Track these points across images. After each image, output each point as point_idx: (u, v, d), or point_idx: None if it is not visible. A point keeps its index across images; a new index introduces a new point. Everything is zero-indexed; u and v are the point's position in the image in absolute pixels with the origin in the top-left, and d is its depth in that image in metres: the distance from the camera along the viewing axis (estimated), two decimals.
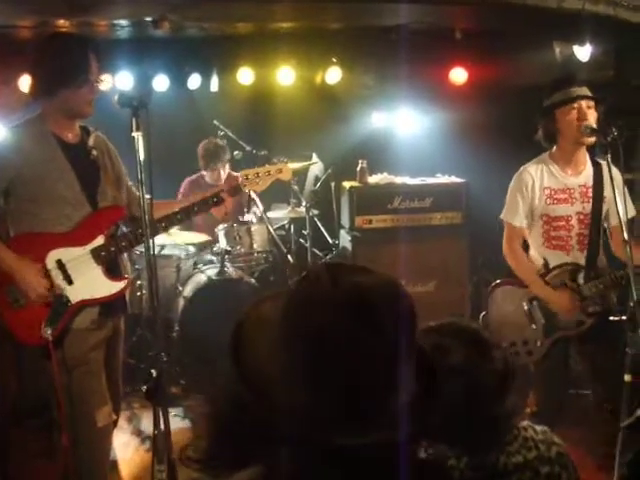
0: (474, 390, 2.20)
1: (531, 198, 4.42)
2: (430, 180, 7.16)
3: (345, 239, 7.04)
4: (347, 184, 7.00)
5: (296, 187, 6.97)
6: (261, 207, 6.21)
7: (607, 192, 4.31)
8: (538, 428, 2.39)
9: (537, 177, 4.42)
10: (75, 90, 3.70)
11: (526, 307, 4.45)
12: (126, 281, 3.93)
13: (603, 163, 4.22)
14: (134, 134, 3.33)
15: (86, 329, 3.76)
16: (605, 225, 4.47)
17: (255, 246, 6.73)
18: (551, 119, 4.38)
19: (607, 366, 4.24)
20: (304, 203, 6.88)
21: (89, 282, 3.78)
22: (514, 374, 2.30)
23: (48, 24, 5.92)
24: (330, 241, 7.17)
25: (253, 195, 5.38)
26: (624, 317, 3.96)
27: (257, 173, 4.27)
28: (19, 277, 3.64)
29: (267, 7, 5.64)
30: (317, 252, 7.11)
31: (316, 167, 7.26)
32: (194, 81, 7.40)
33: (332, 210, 7.29)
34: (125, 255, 4.07)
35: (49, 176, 3.68)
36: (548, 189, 4.41)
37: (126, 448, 5.24)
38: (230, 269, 6.46)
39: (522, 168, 4.51)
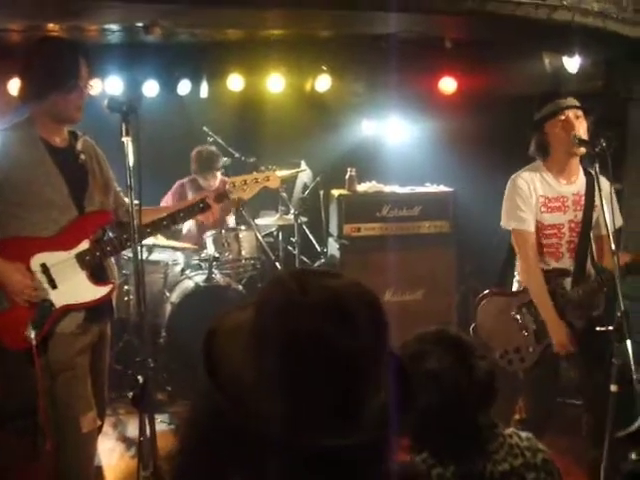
0: (454, 395, 2.21)
1: (530, 202, 4.40)
2: (419, 189, 7.17)
3: (333, 247, 7.04)
4: (336, 192, 7.01)
5: (285, 194, 6.97)
6: (248, 214, 6.22)
7: (598, 201, 4.33)
8: (523, 435, 2.40)
9: (531, 184, 4.42)
10: (64, 95, 3.69)
11: (516, 315, 4.46)
12: (111, 286, 3.91)
13: (593, 173, 4.24)
14: (124, 139, 3.34)
15: (71, 333, 3.74)
16: (591, 234, 4.48)
17: (243, 253, 6.74)
18: (541, 132, 4.40)
19: (594, 376, 4.26)
20: (292, 211, 6.88)
21: (73, 287, 3.76)
22: (497, 384, 2.31)
23: (38, 28, 5.90)
24: (318, 249, 7.17)
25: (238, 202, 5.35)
26: (611, 327, 3.97)
27: (244, 180, 4.26)
28: (2, 278, 3.62)
29: (258, 14, 5.63)
30: (305, 260, 7.11)
31: (305, 175, 7.27)
32: (184, 87, 7.41)
33: (321, 218, 7.29)
34: (112, 260, 4.05)
35: (37, 180, 3.67)
36: (543, 197, 4.41)
37: (111, 454, 5.22)
38: (218, 276, 6.46)
39: (515, 175, 4.50)
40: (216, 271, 6.47)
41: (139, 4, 5.00)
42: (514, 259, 4.60)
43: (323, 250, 7.15)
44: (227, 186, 4.21)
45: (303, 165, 7.10)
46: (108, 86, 7.00)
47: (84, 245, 3.78)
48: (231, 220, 6.75)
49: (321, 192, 7.25)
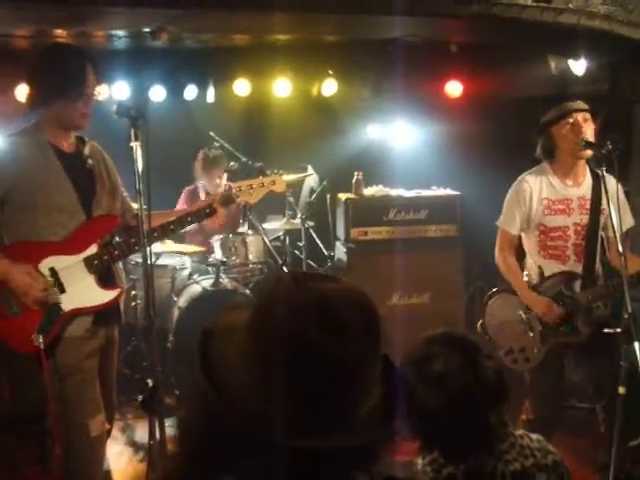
0: (463, 395, 2.22)
1: (528, 207, 4.45)
2: (425, 192, 7.17)
3: (340, 251, 7.04)
4: (343, 196, 7.01)
5: (291, 199, 6.97)
6: (255, 218, 6.22)
7: (605, 203, 4.34)
8: (533, 436, 2.41)
9: (535, 187, 4.45)
10: (71, 102, 3.71)
11: (523, 315, 4.47)
12: (119, 290, 3.93)
13: (601, 175, 4.24)
14: (132, 144, 3.35)
15: (80, 337, 3.75)
16: (603, 236, 4.49)
17: (250, 257, 6.74)
18: (548, 136, 4.42)
19: (603, 378, 4.26)
20: (299, 215, 6.88)
21: (81, 291, 3.77)
22: (506, 384, 2.32)
23: (45, 34, 5.93)
24: (325, 253, 7.17)
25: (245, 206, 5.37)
26: (619, 330, 3.98)
27: (251, 185, 4.27)
28: (12, 281, 3.63)
29: (264, 19, 5.65)
30: (312, 264, 7.11)
31: (311, 179, 7.27)
32: (190, 92, 7.42)
33: (327, 222, 7.29)
34: (120, 264, 4.07)
35: (45, 185, 3.69)
36: (546, 200, 4.43)
37: (119, 458, 5.23)
38: (225, 280, 6.46)
39: (521, 177, 4.54)
40: (223, 275, 6.48)
41: (146, 9, 5.02)
42: (522, 259, 4.62)
43: (330, 254, 7.15)
44: (233, 190, 4.23)
45: (310, 169, 7.10)
46: (115, 91, 7.01)
47: (92, 249, 3.80)
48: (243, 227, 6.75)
49: (328, 196, 7.25)
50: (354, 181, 6.98)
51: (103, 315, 3.86)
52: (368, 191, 7.05)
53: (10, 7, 4.88)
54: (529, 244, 4.57)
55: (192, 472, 1.47)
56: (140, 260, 5.94)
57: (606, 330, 4.25)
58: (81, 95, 3.71)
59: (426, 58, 7.10)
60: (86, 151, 3.91)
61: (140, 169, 3.35)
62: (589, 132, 4.31)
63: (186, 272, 6.80)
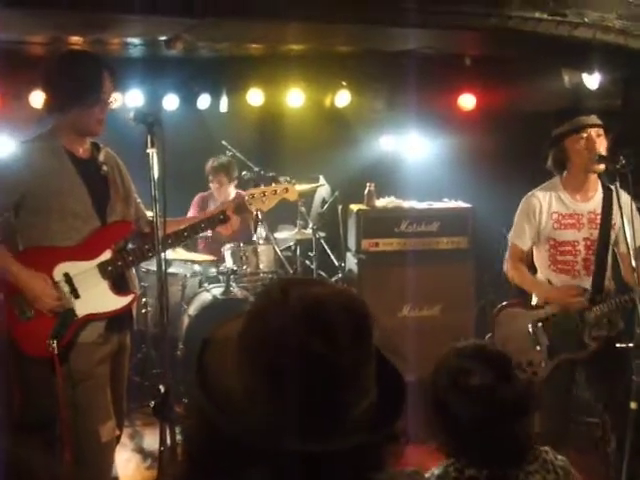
0: (497, 409, 2.24)
1: (538, 221, 4.45)
2: (437, 205, 7.17)
3: (351, 262, 7.04)
4: (354, 207, 7.01)
5: (303, 209, 6.99)
6: (267, 227, 6.23)
7: (616, 218, 4.33)
8: (559, 456, 2.43)
9: (545, 202, 4.45)
10: (87, 109, 3.73)
11: (531, 329, 4.46)
12: (133, 296, 3.94)
13: (613, 189, 4.24)
14: (149, 150, 3.36)
15: (93, 343, 3.76)
16: (615, 251, 4.49)
17: (261, 266, 6.74)
18: (561, 148, 4.41)
19: (613, 393, 4.24)
20: (311, 225, 6.89)
21: (95, 296, 3.79)
22: (534, 395, 2.34)
23: (61, 41, 5.96)
24: (336, 263, 7.17)
25: (258, 214, 5.38)
26: (631, 344, 3.96)
27: (263, 192, 4.28)
28: (27, 288, 3.65)
29: (279, 29, 5.67)
30: (323, 274, 7.11)
31: (323, 189, 7.29)
32: (204, 101, 7.44)
33: (339, 233, 7.29)
34: (133, 271, 4.08)
35: (60, 190, 3.70)
36: (556, 214, 4.43)
37: (128, 465, 5.23)
38: (235, 289, 6.47)
39: (530, 193, 4.55)
40: (234, 284, 6.48)
41: (162, 18, 5.04)
42: (533, 273, 4.61)
43: (341, 265, 7.15)
44: (246, 197, 4.24)
45: (322, 180, 7.11)
46: (128, 99, 7.04)
47: (106, 255, 3.81)
48: (259, 232, 6.76)
49: (339, 207, 7.25)
50: (366, 192, 6.98)
51: (116, 321, 3.87)
52: (380, 202, 7.05)
53: (26, 14, 4.91)
54: (540, 258, 4.57)
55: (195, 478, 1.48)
56: (151, 267, 6.00)
57: (618, 345, 4.23)
58: (97, 101, 3.73)
59: (439, 70, 7.11)
60: (101, 157, 3.93)
61: (156, 176, 3.36)
62: (602, 148, 4.30)
63: (197, 280, 6.81)
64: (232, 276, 6.45)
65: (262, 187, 4.39)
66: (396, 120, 7.96)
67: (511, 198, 4.79)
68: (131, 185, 4.11)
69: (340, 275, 7.09)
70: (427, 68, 6.79)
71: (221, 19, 5.01)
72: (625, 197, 4.17)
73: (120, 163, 4.09)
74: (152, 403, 3.24)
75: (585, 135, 4.31)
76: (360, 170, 7.62)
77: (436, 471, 2.33)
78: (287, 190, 4.36)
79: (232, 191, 7.10)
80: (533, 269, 4.64)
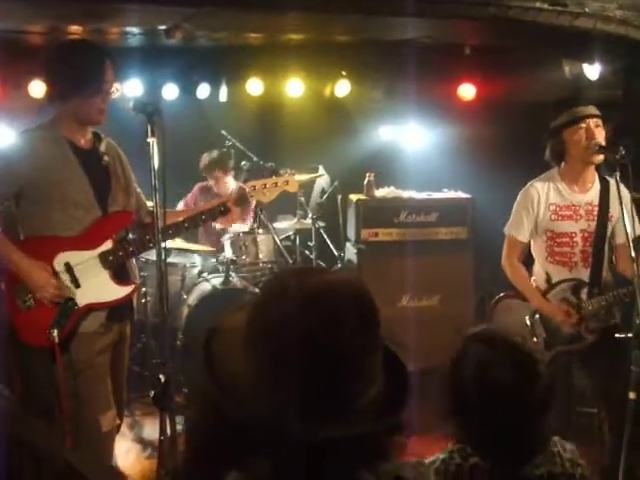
0: (520, 408, 2.21)
1: (536, 213, 4.45)
2: (436, 195, 7.18)
3: (351, 252, 7.05)
4: (354, 197, 7.02)
5: (302, 199, 6.99)
6: (266, 217, 6.23)
7: (613, 210, 4.33)
8: (567, 446, 2.40)
9: (543, 193, 4.44)
10: (88, 99, 3.72)
11: (528, 321, 4.47)
12: (134, 286, 3.94)
13: (611, 181, 4.24)
14: (149, 140, 3.36)
15: (94, 333, 3.77)
16: (612, 243, 4.48)
17: (261, 256, 6.74)
18: (559, 140, 4.39)
19: (612, 384, 4.25)
20: (310, 215, 6.90)
21: (96, 286, 3.79)
22: (556, 393, 2.32)
23: (60, 30, 5.95)
24: (335, 253, 7.17)
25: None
26: (630, 334, 3.97)
27: (264, 184, 4.28)
28: (27, 276, 3.65)
29: (278, 18, 5.66)
30: (322, 264, 7.11)
31: (323, 179, 7.28)
32: (203, 91, 7.42)
33: (338, 223, 7.30)
34: (133, 261, 4.08)
35: (62, 180, 3.70)
36: (554, 205, 4.42)
37: (127, 455, 5.23)
38: (235, 278, 6.46)
39: (529, 184, 4.53)
40: (233, 274, 6.48)
41: (161, 7, 5.03)
42: (531, 265, 4.61)
43: (340, 255, 7.15)
44: (247, 189, 4.24)
45: (321, 170, 7.11)
46: (127, 89, 7.02)
47: (107, 245, 3.81)
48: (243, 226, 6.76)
49: (339, 197, 7.26)
50: (365, 182, 6.99)
51: (117, 311, 3.88)
52: (379, 192, 7.06)
53: (26, 3, 4.90)
54: (537, 249, 4.57)
55: (201, 469, 1.49)
56: (150, 257, 6.00)
57: (617, 335, 4.24)
58: (99, 91, 3.72)
59: (439, 60, 7.10)
60: (102, 147, 3.92)
61: (156, 165, 3.36)
62: (600, 138, 4.29)
63: (196, 270, 6.81)
64: (231, 266, 6.45)
65: (263, 179, 4.39)
66: (396, 110, 7.95)
67: (510, 188, 4.79)
68: (131, 175, 4.11)
69: (339, 265, 7.10)
70: (427, 58, 6.78)
71: (220, 8, 5.01)
72: (624, 190, 4.16)
73: (121, 153, 4.09)
74: (152, 393, 3.25)
75: (584, 126, 4.30)
76: (360, 160, 7.62)
77: (441, 455, 2.31)
78: (287, 182, 4.36)
79: (231, 182, 7.10)
80: (530, 260, 4.64)
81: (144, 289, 6.37)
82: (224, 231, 6.76)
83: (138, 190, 4.17)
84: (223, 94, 7.53)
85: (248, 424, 1.39)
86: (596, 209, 4.40)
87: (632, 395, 3.77)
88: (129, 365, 4.27)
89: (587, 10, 5.08)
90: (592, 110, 4.37)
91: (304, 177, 6.66)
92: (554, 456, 2.31)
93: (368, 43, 7.06)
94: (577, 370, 4.60)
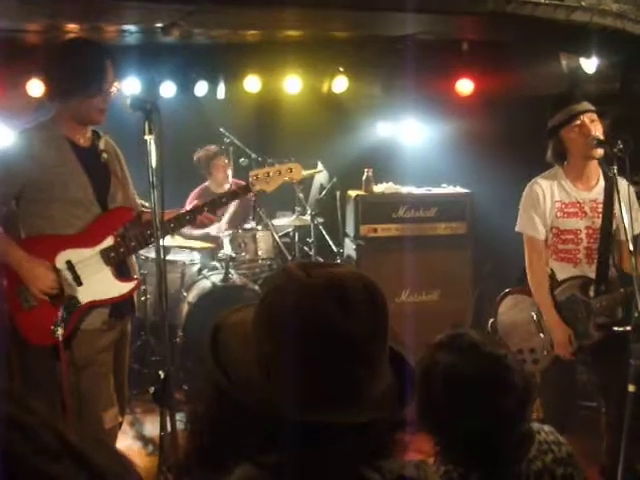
0: (499, 416, 2.19)
1: (543, 209, 4.42)
2: (435, 190, 7.18)
3: (350, 247, 7.05)
4: (352, 193, 7.02)
5: (301, 195, 6.99)
6: (265, 213, 6.23)
7: (617, 206, 4.33)
8: (546, 428, 2.40)
9: (548, 190, 4.43)
10: (88, 98, 3.72)
11: (535, 316, 4.46)
12: (135, 282, 3.95)
13: (617, 178, 4.22)
14: (146, 137, 3.36)
15: (97, 330, 3.78)
16: (617, 239, 4.47)
17: (260, 253, 6.75)
18: (558, 140, 4.39)
19: (611, 377, 4.25)
20: (309, 211, 6.89)
21: (98, 283, 3.80)
22: (532, 387, 2.30)
23: (57, 28, 5.94)
24: (334, 249, 7.17)
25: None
26: (628, 328, 3.97)
27: (267, 173, 4.25)
28: (27, 272, 3.66)
29: (275, 15, 5.66)
30: (321, 260, 7.11)
31: (321, 175, 7.28)
32: (201, 88, 7.42)
33: (337, 219, 7.30)
34: (133, 258, 4.09)
35: (61, 179, 3.71)
36: (559, 202, 4.42)
37: (128, 452, 5.20)
38: (234, 275, 6.47)
39: (533, 181, 4.52)
40: (233, 271, 6.48)
41: (159, 4, 5.03)
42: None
43: (339, 251, 7.15)
44: (250, 178, 4.21)
45: (320, 166, 7.10)
46: (125, 87, 7.01)
47: (108, 242, 3.82)
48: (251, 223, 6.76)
49: (337, 193, 7.25)
50: (364, 178, 6.99)
51: (119, 308, 3.89)
52: (378, 188, 7.06)
53: (23, 1, 4.90)
54: None
55: (208, 460, 1.50)
56: (150, 255, 6.00)
57: (616, 328, 4.24)
58: (99, 91, 3.72)
59: (437, 55, 7.10)
60: (101, 145, 3.93)
61: (154, 163, 3.37)
62: (597, 132, 4.28)
63: (195, 267, 6.82)
64: (231, 263, 6.46)
65: (266, 168, 4.36)
66: (394, 106, 7.96)
67: (509, 183, 4.79)
68: (127, 174, 4.11)
69: (339, 261, 7.10)
70: (425, 53, 6.77)
71: (217, 5, 5.00)
72: (623, 183, 4.16)
73: (119, 151, 4.10)
74: (152, 389, 3.26)
75: (578, 123, 4.29)
76: (358, 156, 7.62)
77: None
78: (291, 170, 4.33)
79: (228, 175, 7.09)
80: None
81: (144, 287, 6.37)
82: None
83: (133, 191, 4.17)
84: (221, 91, 7.53)
85: (256, 412, 1.40)
86: (601, 206, 4.39)
87: (631, 388, 3.78)
88: (129, 363, 4.28)
89: (583, 4, 5.08)
90: (586, 106, 4.36)
91: (303, 173, 6.65)
92: (541, 445, 2.31)
93: (366, 39, 7.06)
94: (579, 364, 4.60)
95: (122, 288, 3.86)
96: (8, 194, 3.70)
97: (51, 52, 3.90)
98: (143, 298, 6.37)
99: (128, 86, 7.02)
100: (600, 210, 4.39)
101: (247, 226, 6.75)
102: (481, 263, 7.21)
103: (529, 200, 4.50)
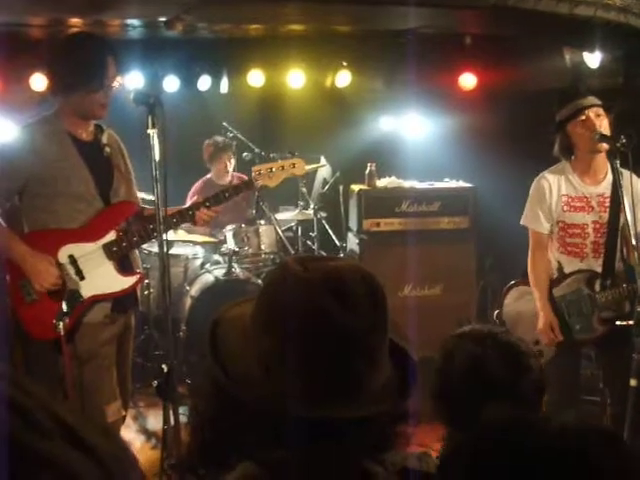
0: (514, 404, 2.21)
1: (549, 203, 4.43)
2: (438, 184, 7.16)
3: (353, 242, 7.05)
4: (355, 187, 7.01)
5: (304, 189, 6.99)
6: (268, 207, 6.23)
7: (626, 201, 4.33)
8: None
9: (555, 184, 4.43)
10: (91, 93, 3.73)
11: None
12: (138, 276, 3.96)
13: (625, 172, 4.22)
14: (149, 131, 3.37)
15: (99, 323, 3.79)
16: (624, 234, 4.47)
17: (263, 247, 6.76)
18: (564, 134, 4.39)
19: (615, 371, 4.26)
20: (312, 205, 6.89)
21: (101, 277, 3.81)
22: (546, 381, 2.33)
23: (61, 23, 5.95)
24: (337, 244, 7.17)
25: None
26: (631, 322, 3.97)
27: (270, 168, 4.24)
28: (30, 267, 3.67)
29: (279, 9, 5.66)
30: (324, 254, 7.11)
31: (324, 170, 7.27)
32: (204, 82, 7.42)
33: (340, 213, 7.29)
34: (136, 252, 4.09)
35: (64, 173, 3.71)
36: (566, 196, 4.42)
37: (131, 445, 5.25)
38: (237, 270, 6.47)
39: (540, 175, 4.53)
40: (236, 265, 6.49)
41: None
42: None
43: (342, 245, 7.15)
44: (253, 174, 4.21)
45: (322, 160, 7.10)
46: (128, 81, 7.02)
47: (111, 236, 3.83)
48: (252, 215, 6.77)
49: (340, 187, 7.24)
50: (367, 172, 6.98)
51: (121, 302, 3.90)
52: (381, 182, 7.04)
53: None
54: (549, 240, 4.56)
55: (209, 457, 1.50)
56: (152, 249, 6.01)
57: (618, 323, 4.24)
58: (101, 86, 3.73)
59: (440, 50, 7.10)
60: (104, 139, 3.93)
61: (157, 156, 3.37)
62: (603, 127, 4.29)
63: (198, 261, 6.82)
64: (234, 257, 6.46)
65: (269, 163, 4.35)
66: (397, 100, 7.95)
67: (512, 177, 4.79)
68: (130, 168, 4.12)
69: (342, 255, 7.10)
70: (427, 47, 6.78)
71: None
72: (627, 176, 4.16)
73: (122, 145, 4.10)
74: (155, 383, 3.27)
75: (583, 117, 4.30)
76: (361, 150, 7.62)
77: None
78: (294, 165, 4.32)
79: (230, 169, 7.10)
80: None
81: (147, 281, 6.38)
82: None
83: (134, 188, 4.17)
84: (224, 86, 7.52)
85: (255, 409, 1.40)
86: (608, 201, 4.39)
87: (633, 382, 3.79)
88: (132, 356, 4.29)
89: None
90: (591, 100, 4.36)
91: (306, 167, 6.65)
92: None
93: (369, 33, 7.06)
94: (583, 359, 4.61)
95: (124, 282, 3.87)
96: (11, 189, 3.71)
97: (54, 46, 3.91)
98: (146, 292, 6.38)
99: (131, 80, 7.02)
100: (607, 204, 4.39)
101: (247, 218, 6.76)
102: (484, 257, 7.20)
103: (535, 194, 4.51)
